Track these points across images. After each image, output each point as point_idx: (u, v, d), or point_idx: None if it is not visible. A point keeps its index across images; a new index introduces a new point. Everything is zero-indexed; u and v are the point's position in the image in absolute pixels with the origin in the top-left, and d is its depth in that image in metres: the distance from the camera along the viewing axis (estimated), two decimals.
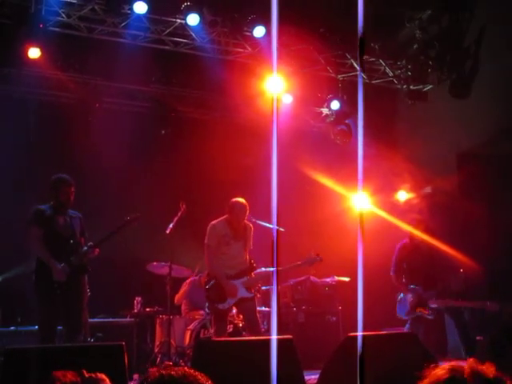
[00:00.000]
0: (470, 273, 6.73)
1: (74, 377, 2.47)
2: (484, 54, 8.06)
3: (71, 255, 5.56)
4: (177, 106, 8.91)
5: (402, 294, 6.79)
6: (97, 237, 5.82)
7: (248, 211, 6.19)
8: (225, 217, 6.18)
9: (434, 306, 6.64)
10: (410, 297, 6.68)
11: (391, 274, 6.88)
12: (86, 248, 5.64)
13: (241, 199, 6.18)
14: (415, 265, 6.80)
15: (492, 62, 8.02)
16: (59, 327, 5.68)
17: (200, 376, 1.82)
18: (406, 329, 6.74)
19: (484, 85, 8.17)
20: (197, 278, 7.68)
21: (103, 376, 2.47)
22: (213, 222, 6.18)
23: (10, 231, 7.18)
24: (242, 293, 6.06)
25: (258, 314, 6.25)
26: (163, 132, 8.97)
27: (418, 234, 6.86)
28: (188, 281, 7.75)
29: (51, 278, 5.44)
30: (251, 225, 6.29)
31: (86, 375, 2.46)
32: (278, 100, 8.62)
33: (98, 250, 5.68)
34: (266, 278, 6.71)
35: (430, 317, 6.65)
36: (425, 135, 8.85)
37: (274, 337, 4.20)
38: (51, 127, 8.19)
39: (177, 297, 7.67)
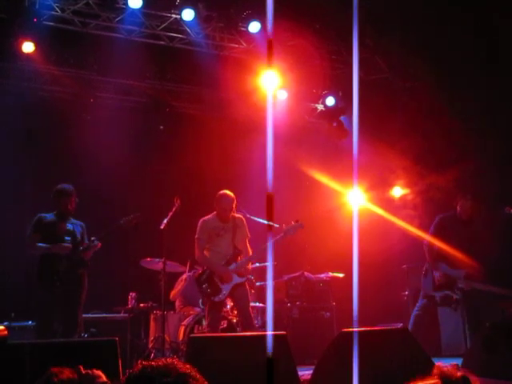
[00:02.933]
0: (468, 271, 6.71)
1: (70, 373, 2.47)
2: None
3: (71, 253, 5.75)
4: (171, 101, 8.88)
5: (429, 267, 6.66)
6: (92, 231, 5.96)
7: (234, 202, 6.31)
8: (214, 212, 6.35)
9: (461, 286, 6.56)
10: (438, 275, 6.59)
11: (425, 242, 6.72)
12: (87, 244, 5.86)
13: (226, 191, 6.34)
14: (452, 239, 6.65)
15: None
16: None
17: (181, 365, 1.87)
18: (414, 313, 6.67)
19: (481, 81, 8.19)
20: (191, 273, 7.68)
21: (99, 372, 2.47)
22: (203, 218, 6.37)
23: (6, 226, 7.17)
24: (235, 279, 6.19)
25: (250, 305, 6.30)
26: (161, 127, 8.97)
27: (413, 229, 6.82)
28: (183, 277, 7.74)
29: (52, 272, 5.60)
30: (241, 216, 6.41)
31: (83, 371, 2.46)
32: (273, 96, 8.61)
33: (100, 244, 5.89)
34: (256, 261, 6.83)
35: (457, 296, 6.58)
36: (420, 131, 8.86)
37: (270, 332, 4.20)
38: (45, 122, 8.15)
39: (172, 293, 7.67)
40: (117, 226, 5.97)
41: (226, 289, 6.14)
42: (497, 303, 6.81)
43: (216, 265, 6.21)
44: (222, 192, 6.33)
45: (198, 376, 1.88)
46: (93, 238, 5.85)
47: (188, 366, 1.91)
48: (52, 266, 5.63)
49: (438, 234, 6.66)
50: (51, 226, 5.82)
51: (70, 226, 5.92)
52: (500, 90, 8.16)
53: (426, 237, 6.71)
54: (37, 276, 5.69)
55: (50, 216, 5.91)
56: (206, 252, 6.28)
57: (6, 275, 7.30)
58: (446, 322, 7.85)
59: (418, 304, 6.74)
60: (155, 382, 1.82)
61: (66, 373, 2.44)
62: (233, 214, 6.33)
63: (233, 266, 6.20)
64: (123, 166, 8.22)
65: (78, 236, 5.90)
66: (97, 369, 2.54)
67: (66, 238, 5.80)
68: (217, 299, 6.13)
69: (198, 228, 6.29)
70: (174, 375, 1.84)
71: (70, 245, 5.72)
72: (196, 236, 6.28)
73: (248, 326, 6.08)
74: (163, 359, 1.91)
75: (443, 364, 2.07)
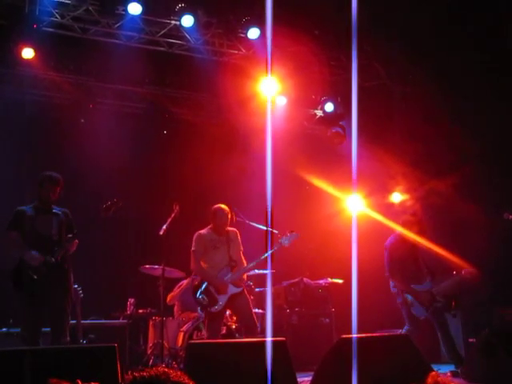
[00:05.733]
0: (465, 275, 6.72)
1: None
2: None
3: (49, 254, 5.45)
4: (171, 107, 8.89)
5: (409, 297, 6.70)
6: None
7: (229, 215, 6.40)
8: (209, 226, 6.44)
9: (436, 293, 6.63)
10: (421, 297, 6.63)
11: (386, 274, 6.82)
12: (61, 245, 5.54)
13: (222, 205, 6.42)
14: (407, 261, 6.76)
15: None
16: (47, 329, 5.62)
17: (173, 373, 1.86)
18: (405, 328, 6.70)
19: (480, 86, 8.21)
20: (190, 279, 7.67)
21: None
22: (199, 231, 6.44)
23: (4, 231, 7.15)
24: (231, 289, 6.23)
25: (253, 311, 6.34)
26: (165, 132, 8.99)
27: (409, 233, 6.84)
28: (184, 282, 7.74)
29: (30, 277, 5.36)
30: (235, 229, 6.49)
31: None
32: (272, 102, 8.62)
33: (76, 241, 5.62)
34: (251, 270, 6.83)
35: (439, 304, 6.65)
36: (419, 136, 8.87)
37: (269, 339, 4.20)
38: (45, 128, 8.15)
39: (170, 297, 7.64)
40: (95, 214, 5.69)
41: (222, 300, 6.21)
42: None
43: (212, 276, 6.28)
44: (216, 206, 6.41)
45: (190, 383, 1.88)
46: (68, 236, 5.55)
47: (179, 373, 1.90)
48: (28, 273, 5.34)
49: (395, 259, 6.74)
50: (30, 220, 5.50)
51: (49, 219, 5.55)
52: (499, 95, 8.17)
53: (386, 268, 6.78)
54: (13, 284, 5.42)
55: (28, 209, 5.58)
56: (202, 264, 6.35)
57: (3, 281, 7.27)
58: None
59: (406, 327, 6.72)
60: None
61: None
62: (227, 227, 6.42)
63: (228, 276, 6.25)
64: (122, 171, 8.22)
65: (55, 231, 5.54)
66: (96, 374, 2.53)
67: (44, 234, 5.48)
68: (213, 310, 6.19)
69: (194, 241, 6.38)
70: None
71: (41, 257, 5.35)
72: (192, 249, 6.36)
73: (252, 333, 6.10)
74: (155, 369, 1.90)
75: (438, 373, 2.08)
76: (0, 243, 6.90)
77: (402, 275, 6.68)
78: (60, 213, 5.67)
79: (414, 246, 6.78)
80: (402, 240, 6.80)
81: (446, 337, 6.61)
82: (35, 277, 5.35)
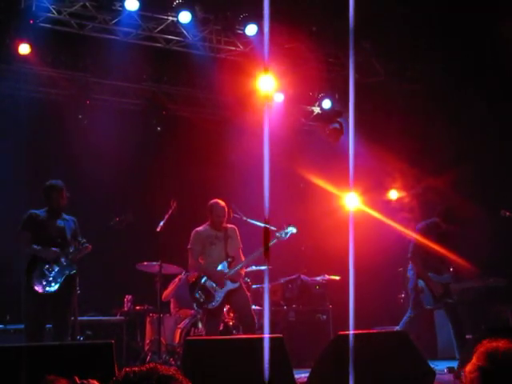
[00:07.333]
0: (463, 273, 6.72)
1: (66, 383, 2.46)
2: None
3: (63, 256, 5.66)
4: (168, 103, 8.88)
5: (421, 283, 6.65)
6: (88, 233, 5.91)
7: (226, 209, 6.39)
8: (207, 222, 6.45)
9: (453, 290, 6.58)
10: (433, 286, 6.59)
11: (409, 255, 6.73)
12: (76, 248, 5.75)
13: (218, 200, 6.43)
14: (433, 249, 6.66)
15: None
16: (48, 325, 5.67)
17: (164, 368, 1.88)
18: (403, 323, 6.67)
19: (477, 83, 8.21)
20: (184, 276, 7.67)
21: (95, 382, 2.46)
22: (196, 229, 6.44)
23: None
24: (228, 285, 6.24)
25: (251, 308, 6.35)
26: (159, 129, 8.97)
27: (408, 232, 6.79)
28: (177, 279, 7.74)
29: (41, 276, 5.52)
30: (233, 226, 6.50)
31: (78, 382, 2.44)
32: (269, 98, 8.61)
33: (90, 246, 5.82)
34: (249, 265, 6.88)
35: (452, 301, 6.57)
36: (417, 134, 8.87)
37: (266, 335, 4.20)
38: (41, 123, 8.12)
39: (165, 293, 7.65)
40: (107, 228, 5.94)
41: (219, 295, 6.21)
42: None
43: (211, 270, 6.28)
44: (213, 201, 6.42)
45: (181, 378, 1.89)
46: (83, 241, 5.77)
47: (172, 369, 1.92)
48: (40, 270, 5.53)
49: (421, 242, 6.67)
50: (42, 223, 5.71)
51: (61, 223, 5.79)
52: (497, 91, 8.18)
53: (410, 250, 6.71)
54: (25, 279, 5.57)
55: (41, 213, 5.80)
56: (200, 260, 6.36)
57: (1, 277, 7.27)
58: (441, 325, 7.86)
59: (408, 314, 6.69)
60: None
61: (62, 382, 2.43)
62: (225, 224, 6.43)
63: (225, 272, 6.26)
64: (119, 168, 8.20)
65: (69, 235, 5.78)
66: (93, 371, 2.53)
67: (57, 236, 5.70)
68: (210, 306, 6.19)
69: (192, 238, 6.38)
70: (155, 378, 1.86)
71: (57, 250, 5.61)
72: (189, 246, 6.37)
73: (250, 329, 6.11)
74: (146, 365, 1.93)
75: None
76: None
77: (423, 260, 6.60)
78: (70, 220, 5.91)
79: (445, 237, 6.66)
80: (435, 228, 6.71)
81: (458, 334, 6.52)
82: (50, 276, 5.52)
